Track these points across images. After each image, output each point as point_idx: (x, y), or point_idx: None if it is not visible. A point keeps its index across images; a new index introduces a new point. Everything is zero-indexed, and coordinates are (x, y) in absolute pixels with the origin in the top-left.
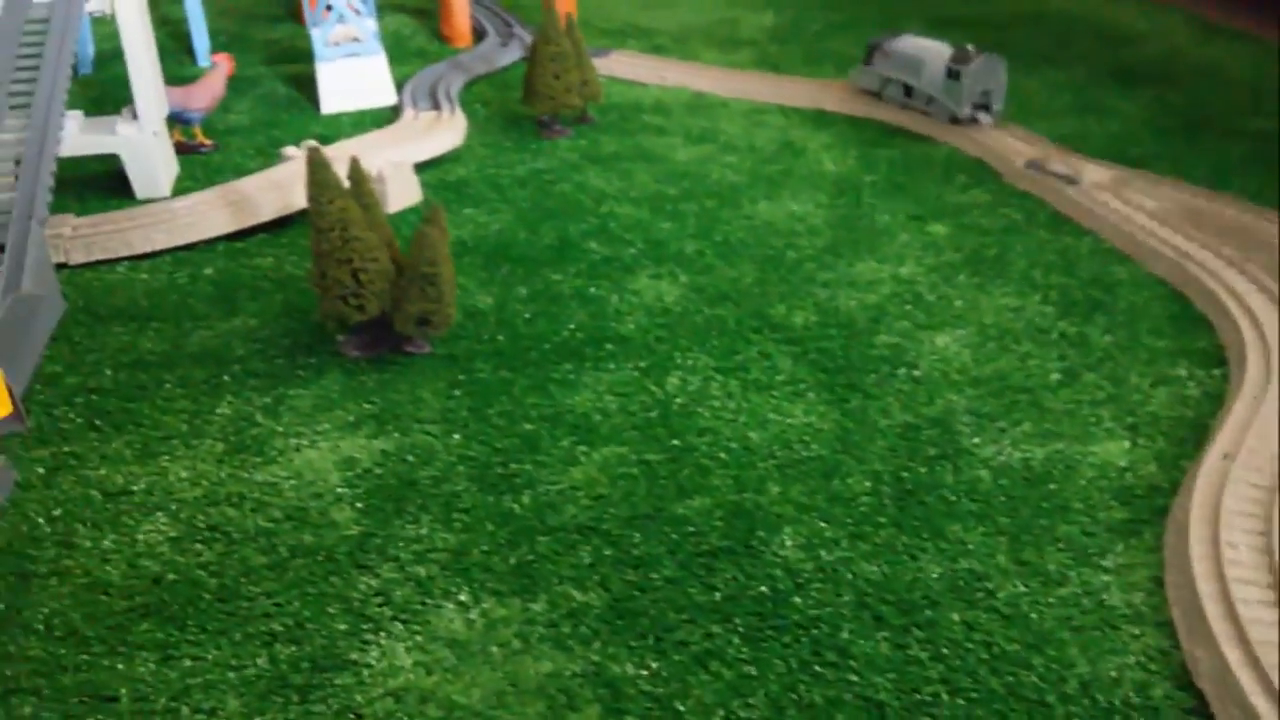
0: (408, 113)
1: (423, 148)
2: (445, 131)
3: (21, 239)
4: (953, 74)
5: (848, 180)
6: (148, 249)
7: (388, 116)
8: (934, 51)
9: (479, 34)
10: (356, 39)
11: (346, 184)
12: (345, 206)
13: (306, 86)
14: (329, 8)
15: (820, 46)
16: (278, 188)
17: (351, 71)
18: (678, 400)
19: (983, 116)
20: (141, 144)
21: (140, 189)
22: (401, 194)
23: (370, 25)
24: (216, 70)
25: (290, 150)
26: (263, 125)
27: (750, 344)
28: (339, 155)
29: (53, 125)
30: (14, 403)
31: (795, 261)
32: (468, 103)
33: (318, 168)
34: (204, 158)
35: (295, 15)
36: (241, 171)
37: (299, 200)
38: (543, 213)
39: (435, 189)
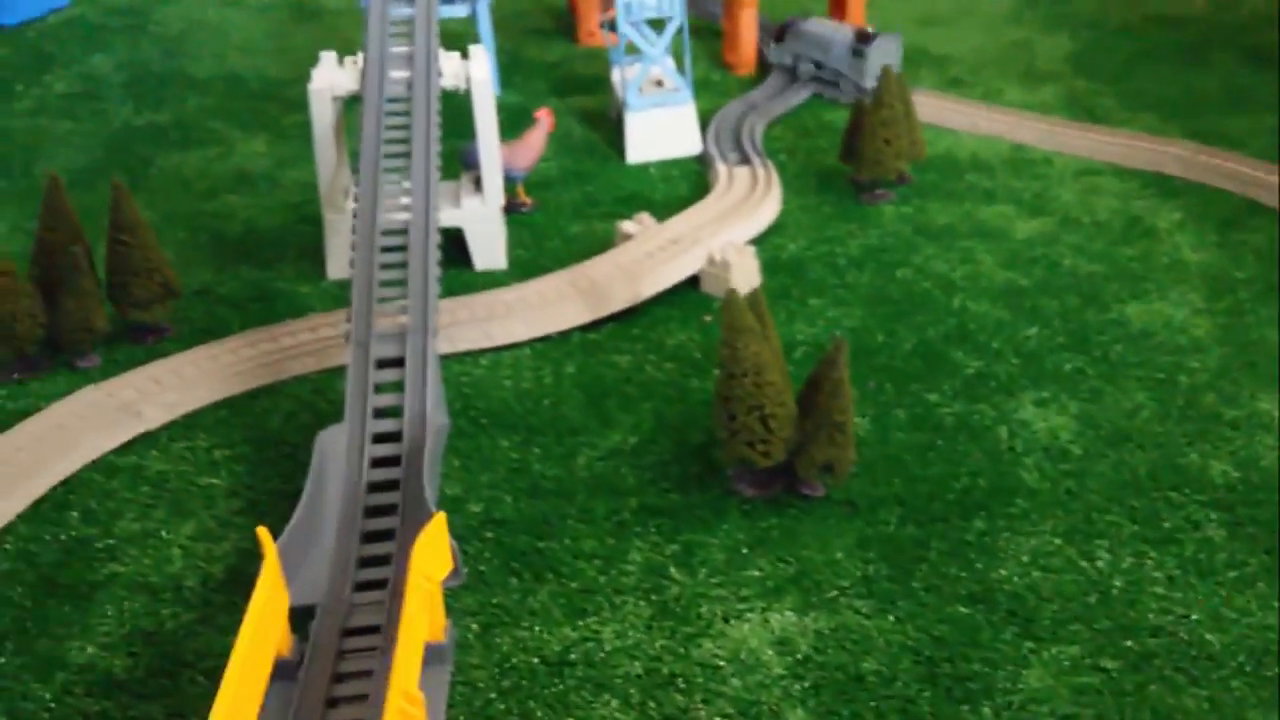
0: (719, 168)
1: (752, 222)
2: (768, 201)
3: (422, 359)
4: (858, 52)
5: (1217, 276)
6: (507, 341)
7: (694, 166)
8: (842, 31)
9: (762, 59)
10: (664, 84)
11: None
12: (759, 351)
13: (600, 123)
14: (639, 56)
15: (1133, 85)
16: (626, 275)
17: (660, 121)
18: (1115, 583)
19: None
20: (486, 218)
21: (480, 261)
22: (744, 279)
23: (672, 67)
24: (538, 127)
25: (628, 226)
26: (572, 176)
27: (1173, 506)
28: (676, 234)
29: (432, 225)
30: (455, 560)
31: (1190, 389)
32: (770, 149)
33: (735, 311)
34: (527, 217)
35: (566, 29)
36: (565, 236)
37: (647, 289)
38: (891, 307)
39: (770, 269)
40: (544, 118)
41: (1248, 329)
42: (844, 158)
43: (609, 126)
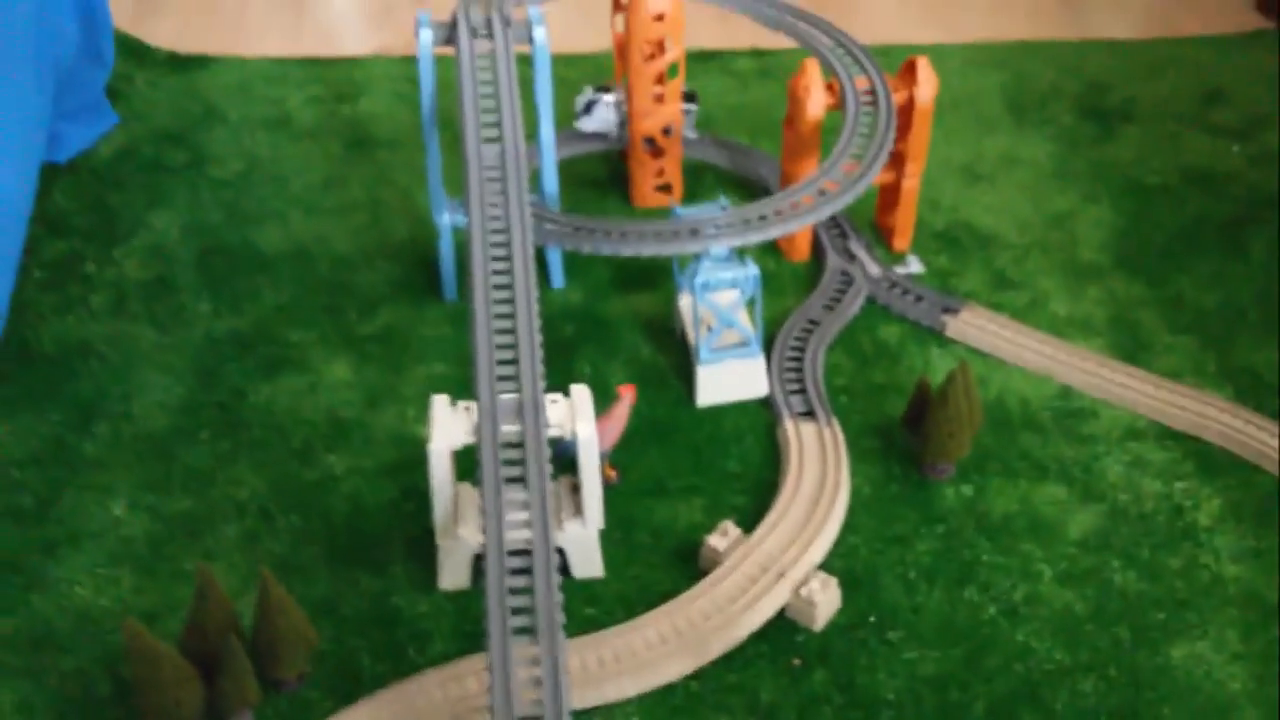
0: (787, 428)
1: (828, 528)
2: (840, 495)
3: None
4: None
5: (1253, 599)
6: (619, 698)
7: (763, 416)
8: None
9: (817, 243)
10: (741, 343)
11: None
12: None
13: (664, 340)
14: (713, 319)
15: (1172, 289)
16: (722, 615)
17: (729, 371)
18: None
19: None
20: (586, 541)
21: (579, 572)
22: (827, 609)
23: (745, 323)
24: (620, 404)
25: (715, 541)
26: (648, 428)
27: None
28: (762, 560)
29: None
30: None
31: None
32: (832, 388)
33: None
34: (612, 496)
35: (619, 176)
36: (652, 526)
37: (742, 630)
38: (964, 645)
39: (849, 586)
40: (626, 394)
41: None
42: (906, 426)
43: (673, 347)
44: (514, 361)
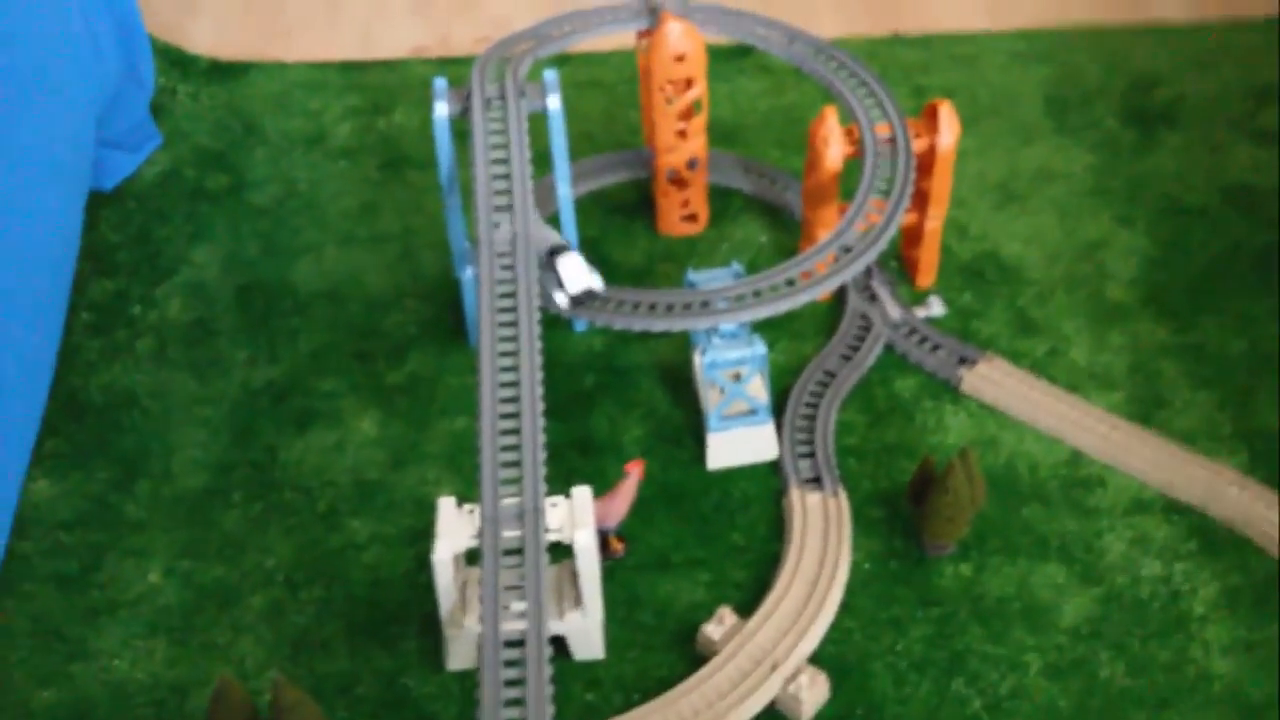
0: (793, 499)
1: (823, 615)
2: (838, 579)
3: None
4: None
5: (1244, 702)
6: None
7: (772, 481)
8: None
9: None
10: (751, 412)
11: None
12: None
13: (681, 391)
14: (722, 390)
15: (1197, 334)
16: (713, 714)
17: (739, 437)
18: None
19: None
20: (586, 629)
21: (579, 654)
22: (814, 704)
23: (760, 393)
24: (629, 480)
25: (711, 630)
26: (659, 496)
27: None
28: (756, 653)
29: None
30: None
31: None
32: (841, 447)
33: None
34: (618, 569)
35: (647, 204)
36: (655, 605)
37: None
38: None
39: (838, 676)
40: (634, 471)
41: None
42: (910, 500)
43: (690, 400)
44: (517, 464)
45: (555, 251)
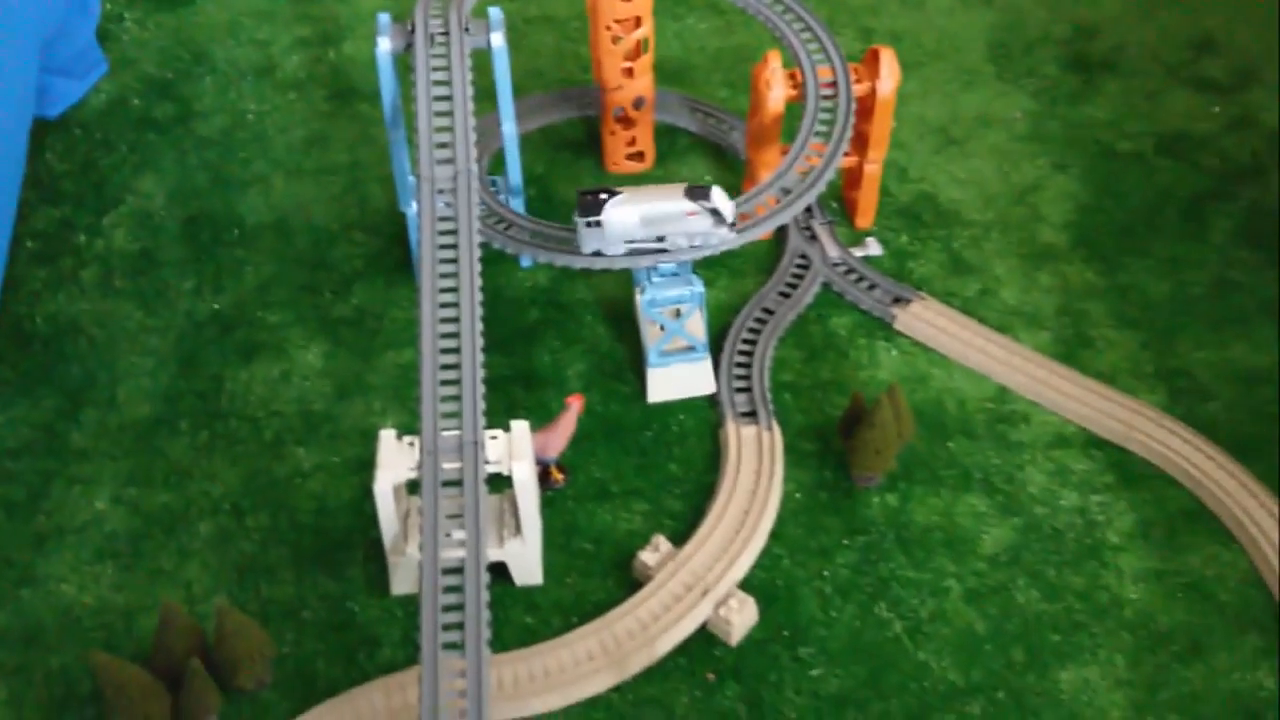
0: (729, 431)
1: (754, 544)
2: (769, 509)
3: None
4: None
5: (1143, 626)
6: (544, 710)
7: (708, 414)
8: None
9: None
10: (689, 348)
11: None
12: None
13: (624, 327)
14: (661, 327)
15: (1125, 277)
16: (645, 633)
17: (678, 372)
18: None
19: None
20: (525, 555)
21: (519, 580)
22: (744, 626)
23: (698, 330)
24: (568, 413)
25: (646, 557)
26: (600, 429)
27: None
28: (689, 578)
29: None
30: None
31: None
32: (777, 382)
33: None
34: (559, 499)
35: (594, 140)
36: (594, 534)
37: (662, 647)
38: (866, 663)
39: (767, 599)
40: (574, 404)
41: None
42: (841, 433)
43: (632, 336)
44: (457, 398)
45: (694, 192)
